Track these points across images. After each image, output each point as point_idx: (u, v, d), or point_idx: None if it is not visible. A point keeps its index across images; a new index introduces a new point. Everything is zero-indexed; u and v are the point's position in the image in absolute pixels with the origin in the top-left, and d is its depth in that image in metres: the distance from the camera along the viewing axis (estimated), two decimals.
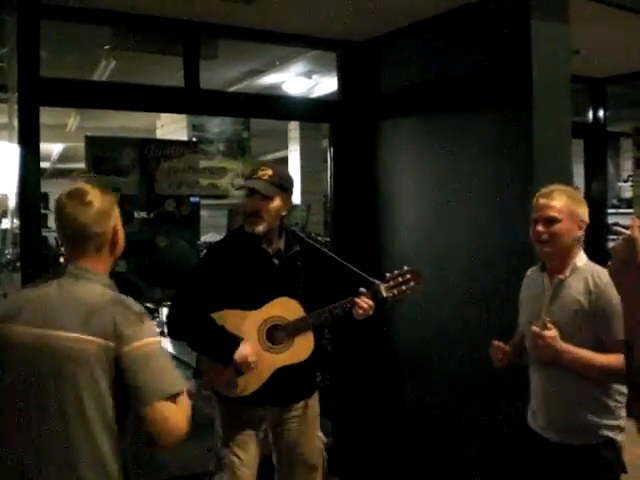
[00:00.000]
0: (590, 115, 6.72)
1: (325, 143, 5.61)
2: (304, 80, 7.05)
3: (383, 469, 4.89)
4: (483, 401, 4.16)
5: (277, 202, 3.36)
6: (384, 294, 3.35)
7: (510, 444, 3.63)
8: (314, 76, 6.94)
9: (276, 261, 3.42)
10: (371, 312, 3.33)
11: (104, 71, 6.28)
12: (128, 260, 5.44)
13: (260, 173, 3.36)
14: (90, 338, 2.11)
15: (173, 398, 2.13)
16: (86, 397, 2.11)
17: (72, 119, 9.69)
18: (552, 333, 2.74)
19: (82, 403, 2.11)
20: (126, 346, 2.11)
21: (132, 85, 4.56)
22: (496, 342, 3.07)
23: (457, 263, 4.36)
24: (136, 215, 6.07)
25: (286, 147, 10.48)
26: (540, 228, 2.87)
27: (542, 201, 2.90)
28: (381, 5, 4.24)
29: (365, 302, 3.31)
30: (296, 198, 9.96)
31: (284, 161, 10.82)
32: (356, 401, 5.14)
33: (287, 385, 3.37)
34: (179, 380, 2.18)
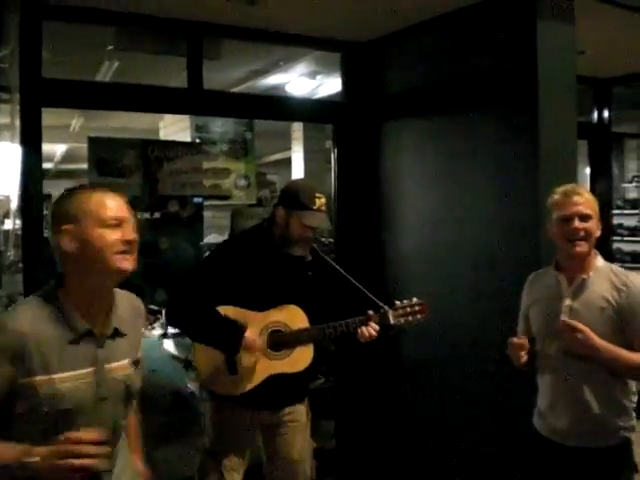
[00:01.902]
0: (595, 116, 6.69)
1: (328, 144, 5.58)
2: (308, 81, 7.03)
3: (385, 473, 4.87)
4: (488, 405, 4.14)
5: None
6: (392, 321, 3.32)
7: (516, 450, 3.60)
8: (318, 77, 6.93)
9: (286, 268, 3.37)
10: (375, 336, 3.29)
11: (107, 71, 6.26)
12: None
13: (319, 203, 3.29)
14: None
15: None
16: None
17: (75, 120, 9.68)
18: (585, 327, 2.71)
19: None
20: None
21: (134, 85, 4.54)
22: (515, 339, 2.92)
23: (462, 265, 4.33)
24: (139, 216, 6.04)
25: (289, 148, 10.46)
26: (578, 225, 2.82)
27: (576, 198, 2.85)
28: (385, 5, 4.22)
29: (372, 326, 3.28)
30: None
31: (287, 162, 10.80)
32: (359, 404, 5.11)
33: (281, 390, 3.34)
34: None
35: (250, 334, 3.18)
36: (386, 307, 3.33)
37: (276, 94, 7.07)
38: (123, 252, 2.10)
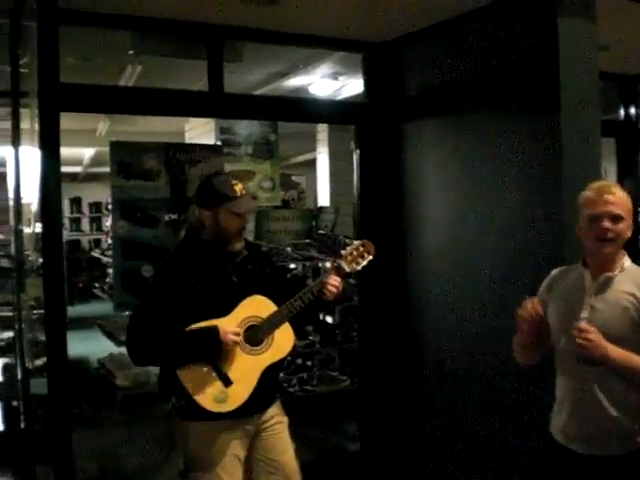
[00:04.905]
0: (621, 113, 6.59)
1: (353, 145, 5.58)
2: (330, 82, 7.02)
3: (410, 475, 4.84)
4: (513, 407, 4.09)
5: None
6: (347, 269, 3.34)
7: (540, 454, 3.55)
8: (340, 78, 6.91)
9: (229, 267, 3.30)
10: (340, 288, 3.31)
11: (131, 76, 6.30)
12: (155, 265, 5.44)
13: (239, 189, 3.25)
14: None
15: None
16: None
17: (102, 124, 9.78)
18: (595, 330, 2.63)
19: None
20: None
21: (152, 89, 4.55)
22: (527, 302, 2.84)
23: (484, 265, 4.29)
24: (167, 218, 6.08)
25: (314, 149, 10.46)
26: (607, 225, 2.72)
27: (607, 197, 2.73)
28: (405, 5, 4.19)
29: (334, 280, 3.29)
30: (325, 200, 9.94)
31: (312, 163, 10.80)
32: (383, 405, 5.09)
33: (266, 387, 3.25)
34: None
35: (223, 327, 3.10)
36: (337, 260, 3.36)
37: (297, 96, 7.07)
38: None
